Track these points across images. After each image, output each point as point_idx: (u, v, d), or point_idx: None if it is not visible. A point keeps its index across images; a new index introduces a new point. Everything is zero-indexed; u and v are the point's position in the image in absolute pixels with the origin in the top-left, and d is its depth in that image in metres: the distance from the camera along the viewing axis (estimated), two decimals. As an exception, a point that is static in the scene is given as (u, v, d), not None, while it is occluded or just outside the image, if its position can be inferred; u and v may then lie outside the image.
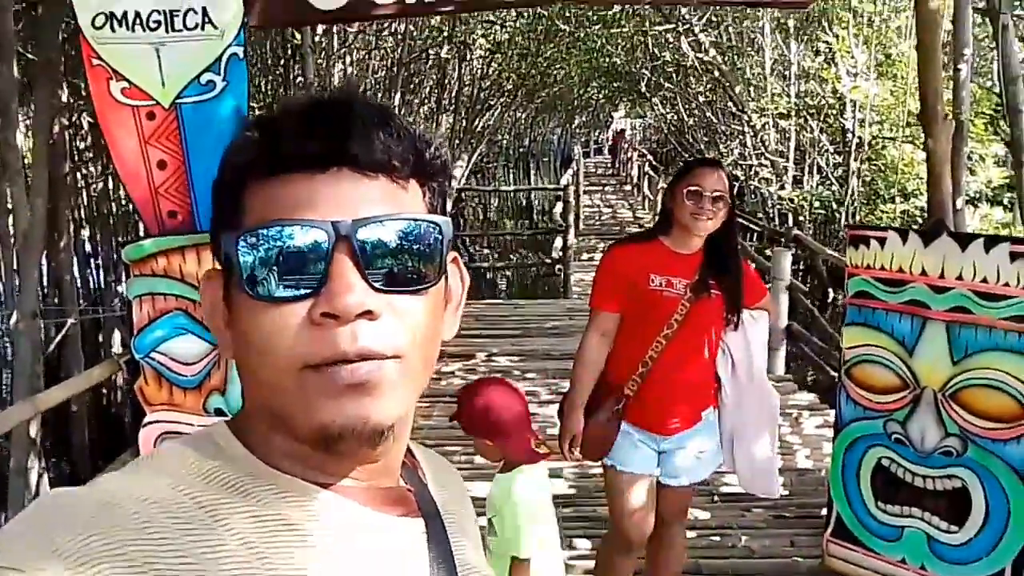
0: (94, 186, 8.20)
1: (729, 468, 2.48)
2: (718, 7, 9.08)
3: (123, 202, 8.68)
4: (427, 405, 4.95)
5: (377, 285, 0.55)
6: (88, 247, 8.60)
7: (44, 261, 5.59)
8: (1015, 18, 4.75)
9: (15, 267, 5.11)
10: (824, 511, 3.15)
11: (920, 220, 9.44)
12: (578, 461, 2.47)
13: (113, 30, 2.41)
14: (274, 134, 0.57)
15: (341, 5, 2.46)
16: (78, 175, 7.25)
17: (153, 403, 2.61)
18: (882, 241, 2.73)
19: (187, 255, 2.62)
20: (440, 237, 0.58)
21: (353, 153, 0.56)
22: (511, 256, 13.92)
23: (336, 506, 0.58)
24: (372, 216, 0.55)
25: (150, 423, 2.61)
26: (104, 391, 6.41)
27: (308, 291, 0.54)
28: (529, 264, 12.32)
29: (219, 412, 2.70)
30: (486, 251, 14.21)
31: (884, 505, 2.86)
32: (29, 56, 4.64)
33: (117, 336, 6.55)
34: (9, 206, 4.25)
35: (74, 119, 6.62)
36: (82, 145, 7.45)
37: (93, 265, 8.80)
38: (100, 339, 7.28)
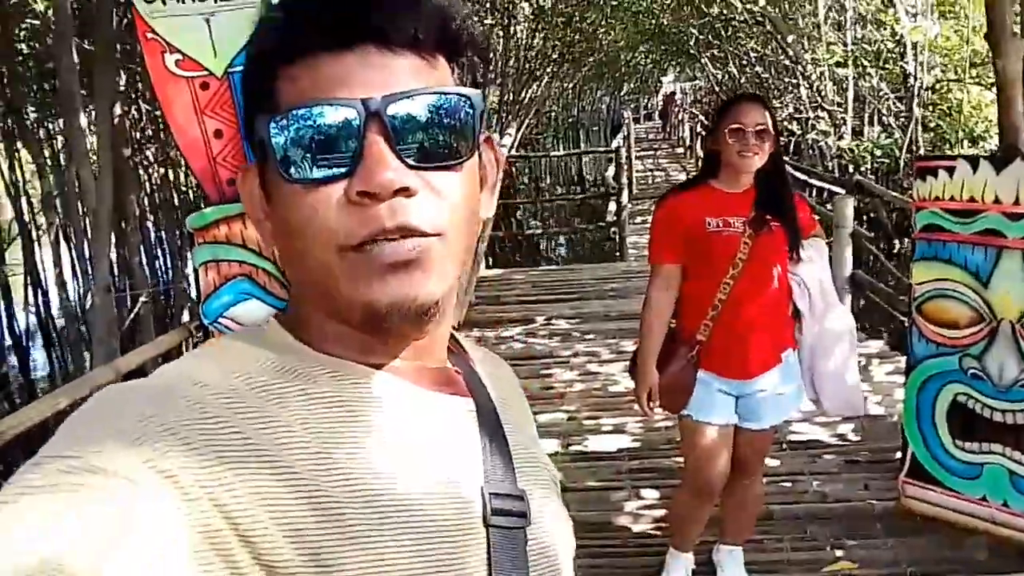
0: (155, 175, 8.43)
1: (811, 396, 2.42)
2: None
3: (183, 189, 8.93)
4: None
5: (411, 161, 0.55)
6: (153, 234, 8.87)
7: (113, 246, 5.79)
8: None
9: (87, 249, 5.29)
10: (898, 454, 3.08)
11: (990, 164, 9.07)
12: (657, 415, 2.44)
13: (164, 3, 2.45)
14: (297, 16, 0.57)
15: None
16: (137, 163, 7.46)
17: (224, 368, 2.68)
18: (951, 171, 2.63)
19: (248, 222, 2.68)
20: (472, 110, 0.58)
21: (379, 28, 0.55)
22: (565, 224, 13.85)
23: (387, 384, 0.59)
24: (401, 91, 0.55)
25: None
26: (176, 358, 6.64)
27: (343, 171, 0.54)
28: (584, 228, 12.21)
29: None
30: (536, 222, 14.15)
31: (962, 443, 2.78)
32: (86, 45, 4.77)
33: (186, 312, 6.77)
34: (77, 190, 4.39)
35: (131, 109, 6.80)
36: (138, 135, 7.66)
37: (159, 251, 9.08)
38: (170, 314, 7.54)
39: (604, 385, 4.61)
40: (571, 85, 24.64)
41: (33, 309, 8.22)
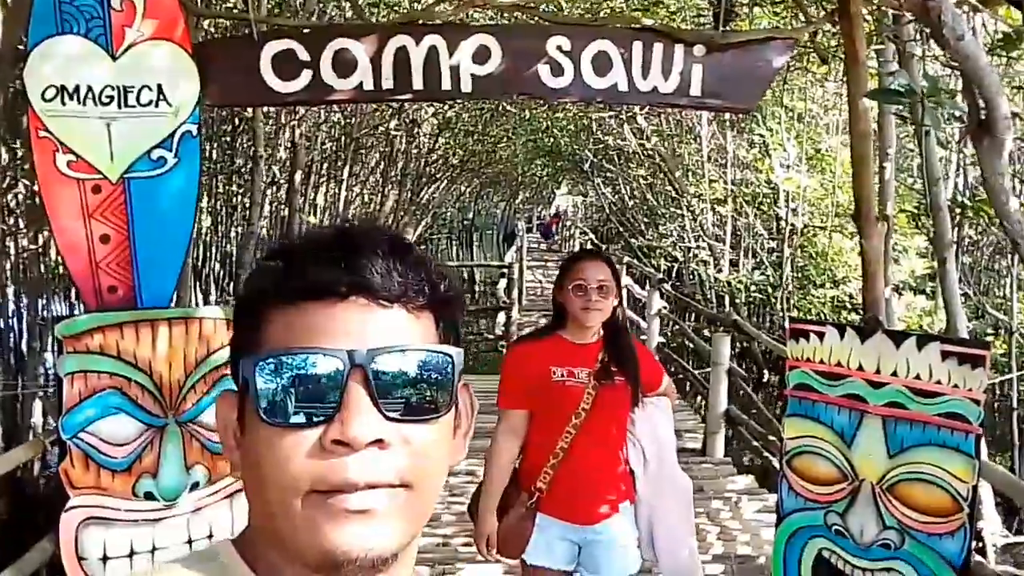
0: (23, 248, 7.91)
1: (649, 559, 2.46)
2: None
3: (53, 265, 8.40)
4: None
5: (389, 414, 0.56)
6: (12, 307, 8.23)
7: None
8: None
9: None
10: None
11: (849, 306, 9.82)
12: (496, 560, 2.46)
13: (64, 103, 2.39)
14: (294, 263, 0.60)
15: (299, 88, 2.49)
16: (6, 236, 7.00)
17: (78, 486, 2.49)
18: (821, 336, 2.81)
19: (125, 331, 2.55)
20: (452, 367, 0.60)
21: (369, 284, 0.58)
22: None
23: None
24: (387, 346, 0.57)
25: (73, 508, 2.48)
26: (19, 471, 6.03)
27: (322, 418, 0.56)
28: (471, 339, 12.28)
29: (149, 496, 2.59)
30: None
31: (825, 598, 2.87)
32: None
33: (38, 408, 6.22)
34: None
35: (7, 182, 6.44)
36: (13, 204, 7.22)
37: (16, 329, 8.42)
38: (18, 421, 6.86)
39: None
40: (468, 190, 25.28)
41: None
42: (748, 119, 10.36)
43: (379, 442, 0.55)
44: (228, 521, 2.73)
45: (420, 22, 2.47)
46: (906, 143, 9.40)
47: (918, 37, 4.19)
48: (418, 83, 2.47)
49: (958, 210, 5.91)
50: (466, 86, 2.48)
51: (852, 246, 10.07)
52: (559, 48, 2.48)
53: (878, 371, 2.68)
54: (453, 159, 16.09)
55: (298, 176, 6.58)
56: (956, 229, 6.15)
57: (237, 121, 6.77)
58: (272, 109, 6.73)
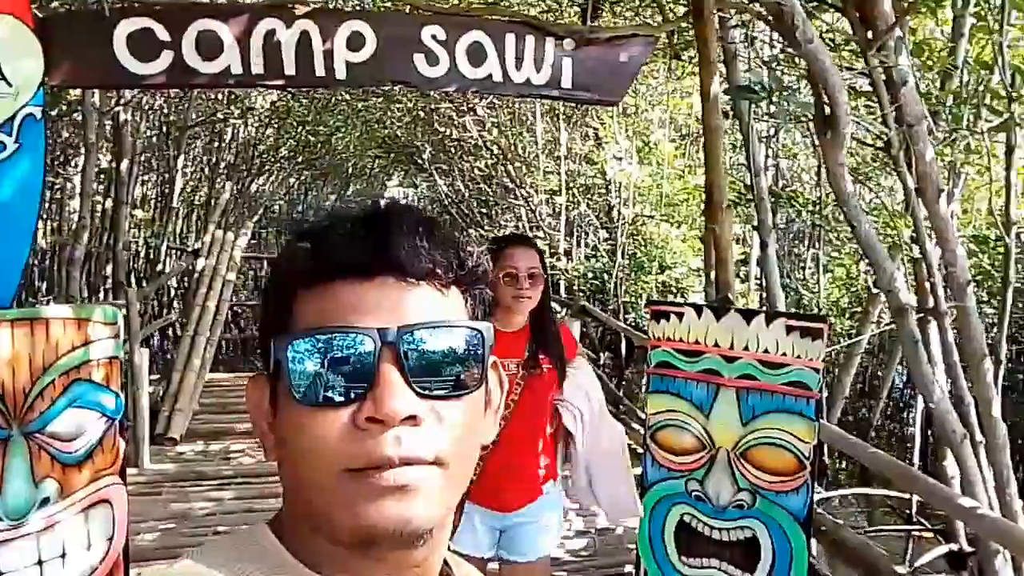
0: None
1: (590, 504, 2.57)
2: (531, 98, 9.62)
3: None
4: (217, 487, 4.62)
5: (421, 390, 0.57)
6: None
7: None
8: (758, 119, 5.52)
9: None
10: (628, 568, 3.34)
11: (675, 290, 10.49)
12: None
13: None
14: (322, 244, 0.60)
15: (158, 71, 2.34)
16: None
17: None
18: (680, 316, 3.01)
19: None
20: (481, 343, 0.61)
21: (398, 262, 0.58)
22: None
23: None
24: (417, 323, 0.58)
25: None
26: None
27: (354, 396, 0.56)
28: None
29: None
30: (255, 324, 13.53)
31: (686, 559, 3.08)
32: None
33: None
34: None
35: None
36: None
37: None
38: None
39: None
40: (297, 182, 24.45)
41: None
42: (581, 113, 10.78)
43: (412, 419, 0.56)
44: (83, 536, 2.53)
45: (290, 5, 2.39)
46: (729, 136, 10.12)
47: (743, 40, 4.56)
48: (290, 69, 2.40)
49: (772, 199, 6.48)
50: (340, 73, 2.43)
51: (678, 234, 10.78)
52: (434, 37, 2.49)
53: (732, 347, 2.91)
54: (283, 150, 15.53)
55: (124, 165, 6.12)
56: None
57: (65, 105, 6.18)
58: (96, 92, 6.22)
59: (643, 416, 3.94)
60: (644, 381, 3.16)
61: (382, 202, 0.63)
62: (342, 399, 0.56)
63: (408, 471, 0.56)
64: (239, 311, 11.88)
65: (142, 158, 8.21)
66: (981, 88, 3.71)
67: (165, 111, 9.38)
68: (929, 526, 5.42)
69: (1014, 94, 3.19)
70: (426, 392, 0.57)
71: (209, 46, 2.34)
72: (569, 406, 2.49)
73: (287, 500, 0.62)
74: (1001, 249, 7.12)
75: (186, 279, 9.71)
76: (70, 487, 2.47)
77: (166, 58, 2.32)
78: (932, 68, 4.60)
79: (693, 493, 3.05)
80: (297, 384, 0.57)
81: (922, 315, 3.16)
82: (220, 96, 9.51)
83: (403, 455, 0.56)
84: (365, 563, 0.59)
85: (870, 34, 2.70)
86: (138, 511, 2.65)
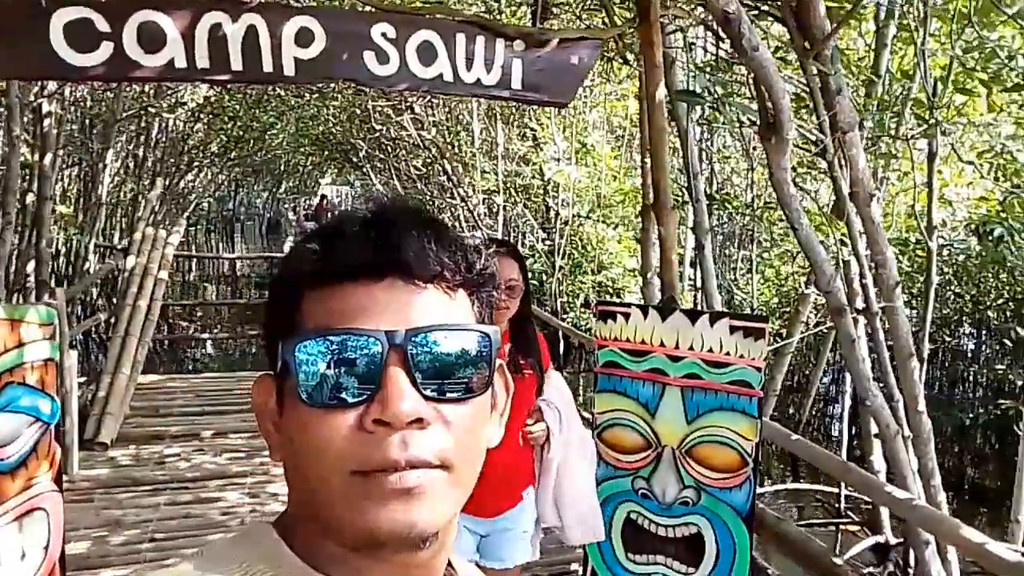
0: None
1: (552, 522, 2.56)
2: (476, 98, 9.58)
3: None
4: (150, 492, 4.48)
5: (428, 393, 0.57)
6: None
7: None
8: (694, 124, 5.65)
9: None
10: (575, 566, 3.37)
11: (611, 289, 10.63)
12: None
13: None
14: (329, 245, 0.59)
15: (98, 63, 2.26)
16: None
17: None
18: (627, 316, 3.06)
19: None
20: (488, 346, 0.61)
21: (406, 264, 0.58)
22: (217, 327, 13.08)
23: None
24: (424, 326, 0.58)
25: None
26: None
27: (361, 399, 0.56)
28: (252, 335, 11.64)
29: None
30: (193, 324, 13.15)
31: (633, 556, 3.13)
32: None
33: None
34: None
35: None
36: None
37: None
38: None
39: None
40: (227, 179, 23.88)
41: None
42: (519, 113, 10.81)
43: (419, 421, 0.56)
44: (17, 546, 2.42)
45: (236, -1, 2.33)
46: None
47: (681, 46, 4.65)
48: (236, 64, 2.34)
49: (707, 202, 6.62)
50: (289, 69, 2.39)
51: (613, 235, 10.93)
52: (384, 35, 2.47)
53: (677, 346, 2.96)
54: (215, 145, 15.14)
55: (47, 159, 5.86)
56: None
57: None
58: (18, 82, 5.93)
59: (587, 415, 3.99)
60: (592, 381, 3.19)
61: (390, 204, 0.63)
62: (349, 401, 0.56)
63: (414, 474, 0.56)
64: (172, 311, 11.51)
65: (64, 152, 7.87)
66: (903, 96, 3.87)
67: (90, 103, 9.03)
68: (856, 519, 5.62)
69: (935, 102, 3.34)
70: (433, 395, 0.58)
71: (152, 38, 2.27)
72: (551, 403, 2.50)
73: (292, 501, 0.62)
74: (921, 252, 7.46)
75: (112, 277, 9.37)
76: (2, 495, 2.36)
77: (106, 50, 2.24)
78: (855, 76, 4.79)
79: (640, 491, 3.10)
80: (304, 385, 0.57)
81: (854, 315, 3.28)
82: (149, 89, 9.21)
83: (409, 458, 0.56)
84: (370, 564, 0.58)
85: (807, 43, 2.80)
86: (68, 519, 2.54)
